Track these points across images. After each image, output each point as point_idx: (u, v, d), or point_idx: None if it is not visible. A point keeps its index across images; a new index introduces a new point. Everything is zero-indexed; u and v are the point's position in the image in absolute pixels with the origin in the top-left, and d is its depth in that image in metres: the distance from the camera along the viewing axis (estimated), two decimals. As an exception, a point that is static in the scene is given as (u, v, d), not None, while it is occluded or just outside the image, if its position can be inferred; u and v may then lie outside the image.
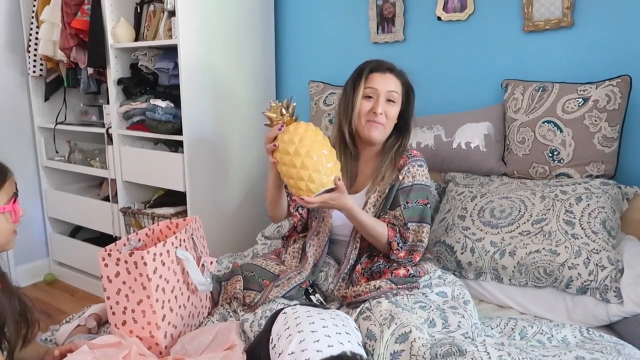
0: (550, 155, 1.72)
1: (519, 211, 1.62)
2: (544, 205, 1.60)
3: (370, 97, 1.46)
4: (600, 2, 1.75)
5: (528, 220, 1.59)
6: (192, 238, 1.39)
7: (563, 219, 1.54)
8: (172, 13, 2.18)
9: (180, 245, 1.31)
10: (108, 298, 1.20)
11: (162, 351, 1.19)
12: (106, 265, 1.19)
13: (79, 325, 1.40)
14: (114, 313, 1.20)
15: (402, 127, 1.55)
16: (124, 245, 1.33)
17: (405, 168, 1.48)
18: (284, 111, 1.34)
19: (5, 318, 1.00)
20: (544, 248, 1.50)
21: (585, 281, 1.43)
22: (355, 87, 1.47)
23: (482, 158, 1.87)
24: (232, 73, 2.34)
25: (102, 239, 2.70)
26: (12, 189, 1.08)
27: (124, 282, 1.19)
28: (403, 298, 1.28)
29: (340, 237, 1.54)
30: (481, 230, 1.63)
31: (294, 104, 1.38)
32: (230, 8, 2.28)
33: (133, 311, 1.18)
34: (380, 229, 1.41)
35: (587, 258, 1.44)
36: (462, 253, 1.62)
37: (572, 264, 1.45)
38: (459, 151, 1.90)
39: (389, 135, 1.53)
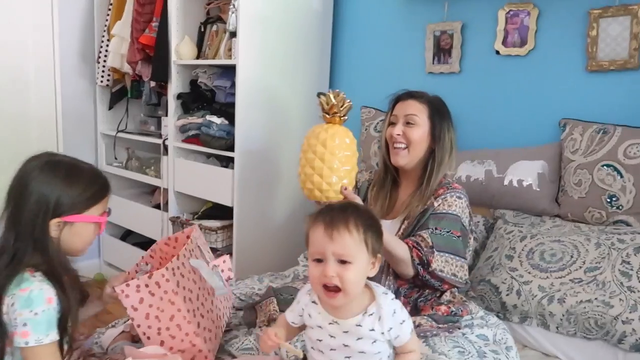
0: (609, 200, 1.66)
1: (571, 256, 1.56)
2: (599, 253, 1.53)
3: (393, 123, 1.52)
4: (671, 45, 1.68)
5: (580, 267, 1.53)
6: (199, 247, 1.41)
7: (619, 270, 1.47)
8: (233, 34, 2.26)
9: (191, 255, 1.33)
10: (139, 326, 1.20)
11: (207, 355, 1.22)
12: (127, 296, 1.18)
13: (123, 331, 1.46)
14: (148, 338, 1.20)
15: (434, 153, 1.51)
16: (136, 272, 1.36)
17: (442, 196, 1.46)
18: (332, 99, 1.40)
19: (69, 314, 1.06)
20: (596, 298, 1.44)
21: None
22: (385, 119, 1.56)
23: (534, 197, 1.82)
24: (286, 95, 2.39)
25: (150, 245, 2.79)
26: (107, 204, 1.17)
27: (150, 306, 1.18)
28: (441, 340, 1.25)
29: None
30: (529, 272, 1.58)
31: (349, 101, 1.43)
32: (289, 32, 2.35)
33: (168, 329, 1.20)
34: (401, 251, 1.34)
35: (644, 313, 1.37)
36: (507, 295, 1.57)
37: (627, 318, 1.38)
38: (510, 188, 1.86)
39: (426, 163, 1.51)
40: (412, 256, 1.34)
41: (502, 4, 2.01)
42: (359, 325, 1.00)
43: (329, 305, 1.02)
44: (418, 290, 1.42)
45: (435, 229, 1.39)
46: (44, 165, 1.09)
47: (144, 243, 2.87)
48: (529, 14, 1.95)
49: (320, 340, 1.04)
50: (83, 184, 1.10)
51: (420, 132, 1.47)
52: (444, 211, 1.42)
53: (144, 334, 1.20)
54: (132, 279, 1.20)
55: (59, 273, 1.07)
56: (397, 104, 1.53)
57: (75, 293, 1.13)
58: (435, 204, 1.44)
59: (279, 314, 1.41)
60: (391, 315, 1.01)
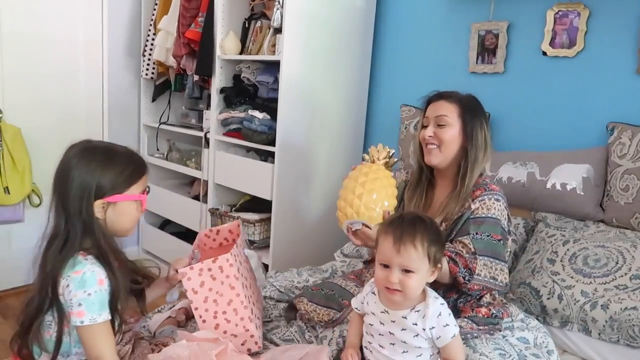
0: (657, 207, 1.62)
1: (616, 262, 1.54)
2: (646, 260, 1.51)
3: (425, 126, 1.52)
4: None
5: (626, 273, 1.50)
6: (246, 241, 1.50)
7: (667, 278, 1.44)
8: (277, 30, 2.30)
9: (239, 247, 1.40)
10: (196, 309, 1.25)
11: (257, 341, 1.27)
12: (189, 279, 1.23)
13: (169, 316, 1.51)
14: (204, 321, 1.25)
15: (469, 152, 1.48)
16: (192, 259, 1.41)
17: (480, 198, 1.42)
18: (378, 156, 1.43)
19: (119, 295, 1.12)
20: (642, 306, 1.41)
21: (687, 348, 1.33)
22: (420, 121, 1.55)
23: (578, 201, 1.79)
24: (327, 92, 2.42)
25: (188, 235, 2.88)
26: (146, 183, 1.22)
27: (210, 289, 1.24)
28: (482, 342, 1.25)
29: None
30: (572, 277, 1.57)
31: (394, 158, 1.46)
32: (332, 30, 2.37)
33: (224, 312, 1.25)
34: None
35: (692, 324, 1.34)
36: (548, 298, 1.56)
37: (674, 327, 1.35)
38: (554, 192, 1.83)
39: (460, 163, 1.49)
40: (457, 264, 1.32)
41: (551, 4, 1.98)
42: (405, 318, 1.12)
43: (387, 299, 1.14)
44: (457, 291, 1.41)
45: (476, 233, 1.37)
46: (82, 151, 1.14)
47: (182, 233, 2.95)
48: (579, 15, 1.92)
49: (371, 325, 1.17)
50: (120, 165, 1.15)
51: (452, 131, 1.46)
52: (483, 215, 1.39)
53: (201, 317, 1.25)
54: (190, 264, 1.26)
55: (108, 255, 1.12)
56: (428, 106, 1.52)
57: (125, 275, 1.18)
58: (473, 207, 1.41)
59: (322, 309, 1.44)
60: (436, 316, 1.11)
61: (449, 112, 1.47)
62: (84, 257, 1.10)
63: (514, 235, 1.86)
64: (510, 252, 1.82)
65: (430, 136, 1.48)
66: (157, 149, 3.06)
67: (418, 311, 1.11)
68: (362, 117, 2.62)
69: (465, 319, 1.32)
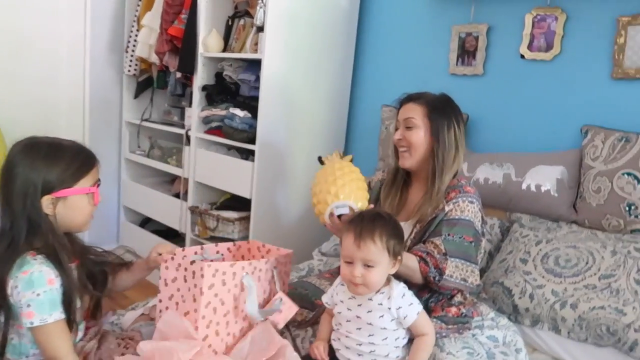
0: (627, 208, 1.65)
1: (586, 263, 1.57)
2: (615, 261, 1.53)
3: (397, 128, 1.53)
4: (700, 55, 1.67)
5: (595, 274, 1.53)
6: (273, 271, 1.34)
7: (634, 278, 1.47)
8: (260, 28, 2.30)
9: (254, 273, 1.26)
10: (160, 301, 1.22)
11: (194, 336, 1.14)
12: (167, 268, 1.20)
13: (143, 313, 1.50)
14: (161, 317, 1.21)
15: (436, 152, 1.47)
16: (195, 253, 1.36)
17: (454, 200, 1.42)
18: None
19: (73, 293, 1.10)
20: (609, 305, 1.44)
21: (652, 347, 1.35)
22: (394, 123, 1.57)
23: (552, 203, 1.82)
24: (309, 91, 2.42)
25: (168, 233, 2.86)
26: (97, 175, 1.20)
27: (178, 289, 1.18)
28: (450, 341, 1.27)
29: None
30: (543, 277, 1.59)
31: (351, 156, 1.46)
32: (315, 29, 2.37)
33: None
34: (410, 263, 1.32)
35: (657, 323, 1.36)
36: (520, 298, 1.58)
37: (639, 327, 1.37)
38: (528, 193, 1.86)
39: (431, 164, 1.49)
40: (427, 264, 1.32)
41: (530, 8, 2.01)
42: (370, 300, 1.19)
43: (354, 291, 1.20)
44: (429, 290, 1.42)
45: (448, 234, 1.36)
46: (26, 148, 1.13)
47: (162, 231, 2.93)
48: (556, 19, 1.95)
49: (340, 313, 1.22)
50: (66, 159, 1.13)
51: (419, 133, 1.46)
52: (456, 217, 1.39)
53: (160, 311, 1.22)
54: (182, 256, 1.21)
55: (59, 253, 1.10)
56: (400, 109, 1.53)
57: (83, 272, 1.17)
58: (447, 209, 1.40)
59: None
60: (400, 297, 1.18)
61: (416, 114, 1.47)
62: (33, 257, 1.08)
63: (490, 235, 1.88)
64: (485, 252, 1.84)
65: (399, 139, 1.50)
66: (139, 146, 3.04)
67: (383, 293, 1.18)
68: (343, 116, 2.63)
69: (435, 319, 1.33)
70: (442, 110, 1.48)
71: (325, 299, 1.29)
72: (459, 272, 1.35)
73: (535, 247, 1.69)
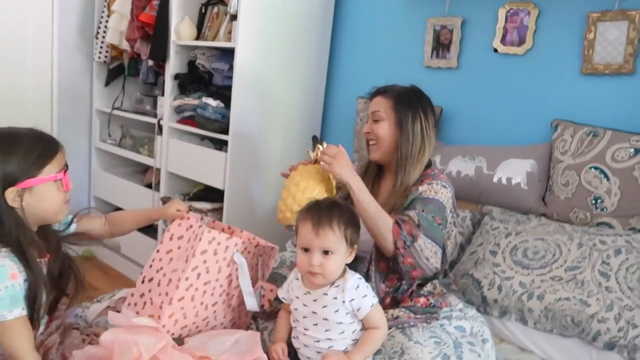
0: (594, 202, 1.68)
1: (553, 255, 1.59)
2: (580, 253, 1.56)
3: (367, 121, 1.55)
4: (665, 52, 1.70)
5: (562, 265, 1.55)
6: (259, 259, 1.39)
7: (599, 270, 1.50)
8: (234, 17, 2.26)
9: (242, 253, 1.30)
10: (158, 251, 1.26)
11: (160, 329, 1.16)
12: (179, 225, 1.27)
13: (109, 306, 1.47)
14: (151, 266, 1.26)
15: (400, 144, 1.47)
16: (200, 219, 1.39)
17: (428, 182, 1.42)
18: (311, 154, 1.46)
19: (38, 289, 1.07)
20: (574, 296, 1.47)
21: (613, 337, 1.39)
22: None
23: (522, 196, 1.84)
24: (283, 81, 2.40)
25: (140, 224, 2.81)
26: (63, 161, 1.15)
27: (179, 247, 1.24)
28: (418, 330, 1.27)
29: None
30: (511, 269, 1.61)
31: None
32: (290, 19, 2.34)
33: (164, 275, 1.23)
34: (384, 220, 1.31)
35: (619, 314, 1.40)
36: (489, 289, 1.60)
37: (602, 317, 1.41)
38: (499, 186, 1.88)
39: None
40: (401, 228, 1.30)
41: (503, 2, 2.02)
42: (325, 294, 1.18)
43: (310, 282, 1.20)
44: (398, 278, 1.42)
45: (422, 210, 1.35)
46: None
47: (135, 221, 2.88)
48: (529, 14, 1.96)
49: (296, 309, 1.21)
50: (24, 148, 1.09)
51: (385, 126, 1.47)
52: (430, 196, 1.39)
53: (152, 260, 1.26)
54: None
55: (25, 247, 1.06)
56: (371, 102, 1.54)
57: (54, 267, 1.14)
58: (420, 189, 1.41)
59: None
60: (354, 288, 1.17)
61: (382, 107, 1.49)
62: None
63: (461, 227, 1.90)
64: (457, 244, 1.86)
65: (366, 132, 1.52)
66: (110, 135, 2.97)
67: (337, 286, 1.17)
68: (318, 107, 2.61)
69: (403, 309, 1.34)
70: (407, 101, 1.48)
71: (281, 293, 1.27)
72: (427, 250, 1.33)
73: (505, 239, 1.71)
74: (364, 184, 1.41)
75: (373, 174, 1.56)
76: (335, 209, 1.18)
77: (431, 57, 2.25)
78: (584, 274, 1.51)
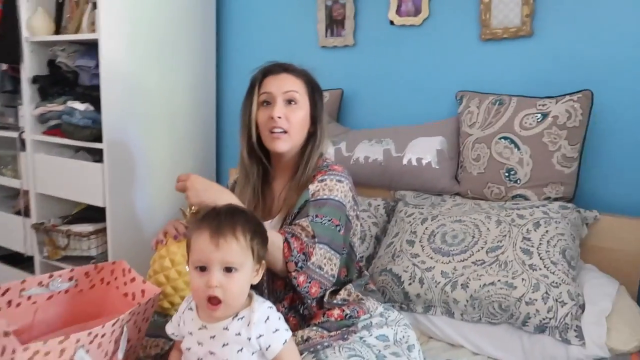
0: (507, 174, 1.58)
1: (473, 237, 1.46)
2: (500, 231, 1.44)
3: (267, 102, 1.24)
4: (561, 10, 1.63)
5: (482, 247, 1.43)
6: (124, 327, 1.01)
7: (520, 247, 1.39)
8: (96, 5, 1.93)
9: (93, 342, 0.94)
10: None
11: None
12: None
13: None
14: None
15: (312, 136, 1.29)
16: (40, 283, 1.09)
17: (320, 178, 1.21)
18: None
19: None
20: (499, 280, 1.34)
21: (543, 319, 1.27)
22: (250, 97, 1.27)
23: (434, 176, 1.71)
24: (163, 76, 2.10)
25: (15, 258, 2.39)
26: None
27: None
28: (334, 351, 1.06)
29: None
30: (431, 258, 1.46)
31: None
32: (163, 3, 2.05)
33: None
34: (272, 237, 1.05)
35: (546, 292, 1.28)
36: (410, 284, 1.44)
37: (530, 299, 1.29)
38: (410, 168, 1.73)
39: (304, 148, 1.28)
40: (290, 248, 1.09)
41: (393, -31, 1.87)
42: (226, 329, 0.92)
43: (207, 314, 0.94)
44: (294, 293, 1.19)
45: (316, 216, 1.14)
46: None
47: (6, 256, 2.44)
48: (421, -20, 1.83)
49: (189, 349, 0.96)
50: None
51: (302, 113, 1.24)
52: (324, 197, 1.18)
53: None
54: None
55: None
56: (266, 79, 1.25)
57: None
58: (312, 189, 1.20)
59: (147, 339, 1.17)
60: (263, 321, 0.93)
61: (298, 88, 1.24)
62: None
63: (375, 218, 1.73)
64: (372, 236, 1.69)
65: (279, 117, 1.21)
66: (-35, 158, 2.49)
67: (242, 318, 0.92)
68: (211, 101, 2.34)
69: (315, 328, 1.13)
70: (318, 89, 1.29)
71: (170, 329, 1.01)
72: (322, 260, 1.13)
73: (421, 225, 1.56)
74: (241, 196, 1.18)
75: (258, 175, 1.31)
76: (238, 215, 0.94)
77: (326, 35, 2.07)
78: (506, 253, 1.39)
